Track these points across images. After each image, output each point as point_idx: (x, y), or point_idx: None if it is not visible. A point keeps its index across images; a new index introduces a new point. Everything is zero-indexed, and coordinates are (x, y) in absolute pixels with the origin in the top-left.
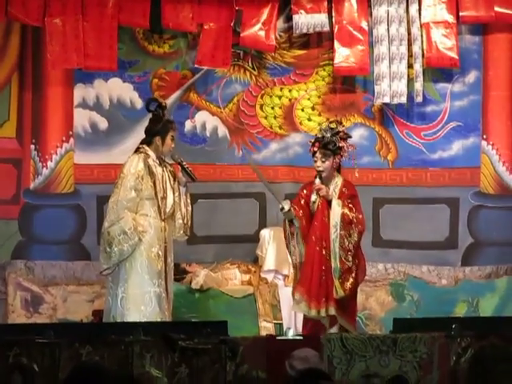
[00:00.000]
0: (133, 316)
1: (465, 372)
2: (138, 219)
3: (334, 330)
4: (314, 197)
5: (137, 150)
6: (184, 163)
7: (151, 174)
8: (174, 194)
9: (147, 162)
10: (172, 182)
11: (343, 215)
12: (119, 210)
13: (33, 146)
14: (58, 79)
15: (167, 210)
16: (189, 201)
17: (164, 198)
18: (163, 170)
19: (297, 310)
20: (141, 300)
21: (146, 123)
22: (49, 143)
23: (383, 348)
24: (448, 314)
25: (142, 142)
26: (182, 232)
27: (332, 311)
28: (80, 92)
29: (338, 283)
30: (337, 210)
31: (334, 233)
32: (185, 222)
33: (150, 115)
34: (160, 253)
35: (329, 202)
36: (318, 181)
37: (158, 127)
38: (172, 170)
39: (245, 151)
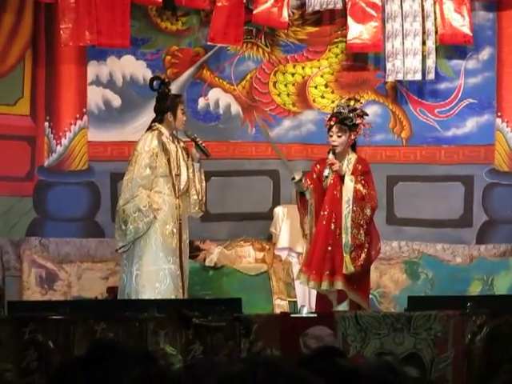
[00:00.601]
0: (147, 293)
1: (480, 350)
2: (153, 197)
3: (344, 306)
4: (326, 171)
5: (150, 128)
6: (197, 139)
7: (165, 151)
8: (187, 170)
9: (161, 140)
10: (186, 159)
11: (356, 191)
12: (134, 188)
13: (47, 124)
14: (72, 56)
15: (181, 186)
16: (203, 177)
17: (178, 175)
18: (176, 147)
19: (297, 279)
20: (155, 277)
21: None
22: (62, 120)
23: (398, 326)
24: (462, 293)
25: (154, 121)
26: (197, 208)
27: (339, 285)
28: (93, 69)
29: (349, 259)
30: (349, 186)
31: (347, 208)
32: (199, 198)
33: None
34: (174, 230)
35: (341, 178)
36: (331, 156)
37: (167, 103)
38: (185, 146)
39: (263, 121)
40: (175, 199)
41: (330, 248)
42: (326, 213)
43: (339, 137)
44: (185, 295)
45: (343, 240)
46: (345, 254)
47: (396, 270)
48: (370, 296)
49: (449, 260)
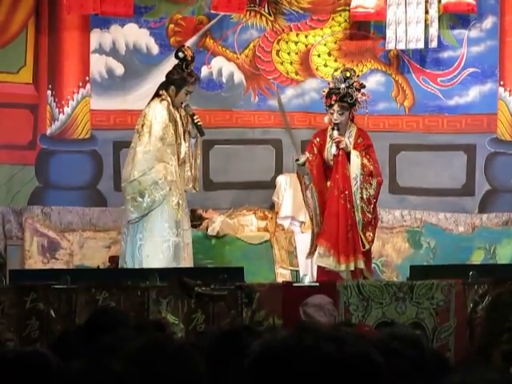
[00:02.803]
0: (150, 263)
1: (481, 319)
2: (168, 167)
3: None
4: (333, 149)
5: (159, 96)
6: (195, 117)
7: (173, 121)
8: (185, 142)
9: (170, 110)
10: (185, 127)
11: (363, 166)
12: (150, 160)
13: (49, 92)
14: (75, 24)
15: (181, 156)
16: (199, 152)
17: (180, 143)
18: (180, 116)
19: (321, 263)
20: (160, 248)
21: (161, 68)
22: (65, 89)
23: (400, 295)
24: (465, 262)
25: (161, 86)
26: (190, 186)
27: (361, 264)
28: (96, 37)
29: (363, 236)
30: (356, 162)
31: (355, 185)
32: (193, 174)
33: (166, 60)
34: (180, 201)
35: (348, 154)
36: (336, 133)
37: (175, 77)
38: (185, 115)
39: (278, 90)
40: (178, 169)
41: (349, 228)
42: (338, 192)
43: (341, 114)
44: (191, 264)
45: (356, 218)
46: (359, 232)
47: (398, 239)
48: (373, 265)
49: (451, 229)
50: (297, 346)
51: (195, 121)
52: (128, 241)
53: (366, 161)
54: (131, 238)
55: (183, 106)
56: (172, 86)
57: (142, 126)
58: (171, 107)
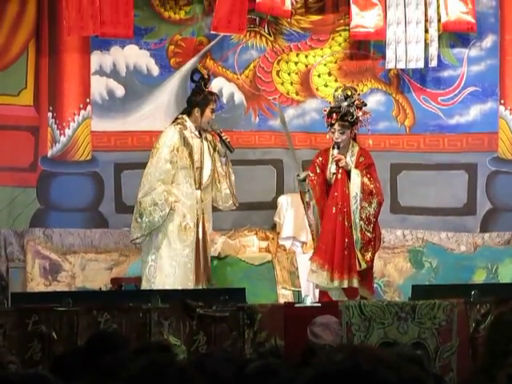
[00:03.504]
0: (160, 285)
1: (484, 339)
2: (171, 189)
3: None
4: (333, 168)
5: (175, 121)
6: (223, 134)
7: (187, 145)
8: (212, 163)
9: (183, 134)
10: (211, 152)
11: (363, 185)
12: (152, 181)
13: (50, 114)
14: (75, 46)
15: (203, 180)
16: (231, 170)
17: (200, 167)
18: (202, 141)
19: (313, 279)
20: (168, 269)
21: (162, 89)
22: (66, 110)
23: (402, 315)
24: (467, 281)
25: (183, 112)
26: (230, 202)
27: (355, 283)
28: (97, 59)
29: (361, 255)
30: (356, 181)
31: (355, 204)
32: (230, 191)
33: (166, 81)
34: (192, 224)
35: (348, 173)
36: (336, 151)
37: (198, 99)
38: (213, 140)
39: (279, 105)
40: (196, 192)
41: (346, 246)
42: (337, 210)
43: (342, 133)
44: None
45: (354, 237)
46: (357, 251)
47: (400, 259)
48: (375, 285)
49: (453, 248)
50: (353, 370)
51: (223, 137)
52: (142, 262)
53: (366, 180)
54: (144, 259)
55: (210, 125)
56: (196, 108)
57: (154, 149)
58: (188, 132)
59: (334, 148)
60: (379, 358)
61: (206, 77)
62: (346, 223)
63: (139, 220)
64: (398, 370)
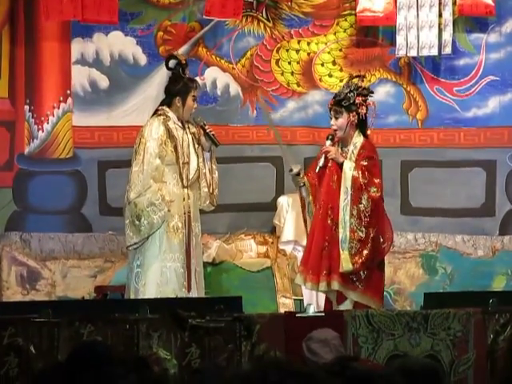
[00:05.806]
0: (148, 292)
1: (504, 351)
2: (163, 187)
3: (346, 307)
4: (321, 161)
5: (156, 112)
6: (206, 127)
7: (171, 137)
8: (198, 158)
9: (167, 126)
10: (196, 146)
11: (354, 180)
12: (145, 180)
13: (27, 107)
14: (54, 33)
15: (190, 176)
16: (215, 167)
17: (186, 163)
18: (185, 133)
19: (296, 281)
20: (158, 275)
21: (150, 81)
22: (44, 104)
23: (413, 325)
24: (485, 288)
25: (162, 103)
26: (208, 202)
27: (335, 286)
28: (78, 47)
29: (347, 255)
30: (348, 175)
31: (345, 200)
32: (210, 190)
33: (155, 72)
34: (179, 224)
35: (340, 166)
36: (328, 142)
37: (178, 87)
38: (196, 132)
39: (266, 103)
40: (183, 189)
41: (326, 245)
42: (319, 206)
43: (336, 119)
44: (200, 294)
45: (340, 235)
46: (341, 251)
47: (412, 265)
48: (384, 293)
49: (469, 253)
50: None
51: (207, 130)
52: (128, 269)
53: (356, 173)
54: (130, 265)
55: (192, 118)
56: (177, 97)
57: (139, 144)
58: (171, 123)
59: (327, 139)
60: (290, 368)
61: (184, 62)
62: (329, 221)
63: (137, 223)
64: (310, 379)
